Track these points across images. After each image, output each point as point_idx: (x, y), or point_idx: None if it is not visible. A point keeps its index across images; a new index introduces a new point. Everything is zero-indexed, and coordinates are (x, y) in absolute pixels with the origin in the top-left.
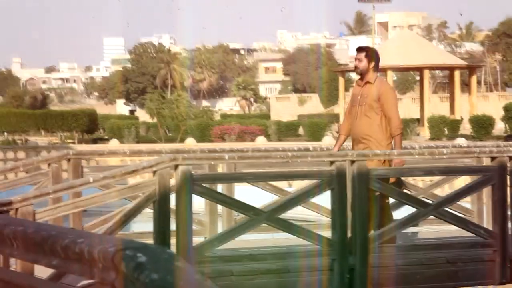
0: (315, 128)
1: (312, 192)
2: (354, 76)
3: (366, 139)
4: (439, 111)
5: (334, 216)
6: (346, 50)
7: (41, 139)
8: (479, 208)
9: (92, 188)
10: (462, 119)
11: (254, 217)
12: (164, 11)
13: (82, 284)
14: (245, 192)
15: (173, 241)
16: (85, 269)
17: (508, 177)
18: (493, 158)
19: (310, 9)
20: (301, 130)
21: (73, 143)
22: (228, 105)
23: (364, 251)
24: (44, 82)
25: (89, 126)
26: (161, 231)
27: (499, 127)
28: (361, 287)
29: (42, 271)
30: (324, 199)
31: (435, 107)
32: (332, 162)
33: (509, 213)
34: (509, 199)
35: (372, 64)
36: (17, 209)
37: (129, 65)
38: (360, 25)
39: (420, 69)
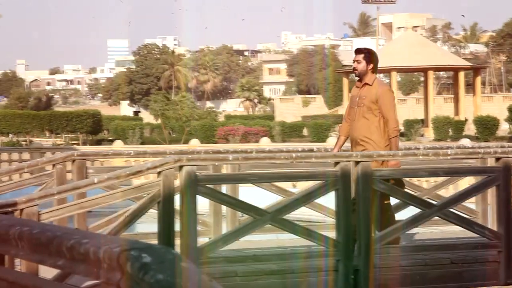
0: (319, 129)
1: (317, 193)
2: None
3: (364, 141)
4: (443, 112)
5: (338, 217)
6: (350, 52)
7: (46, 140)
8: (484, 209)
9: (97, 189)
10: (466, 120)
11: (258, 217)
12: (168, 13)
13: (87, 285)
14: (249, 193)
15: (177, 241)
16: (90, 270)
17: None
18: (497, 159)
19: (314, 10)
20: (305, 131)
21: (78, 144)
22: (232, 106)
23: (368, 252)
24: (48, 83)
25: (94, 127)
26: (166, 231)
27: (504, 128)
28: None
29: (46, 272)
30: (329, 200)
31: (439, 108)
32: (336, 163)
33: None
34: None
35: (371, 65)
36: (22, 209)
37: (133, 67)
38: (364, 26)
39: (424, 70)
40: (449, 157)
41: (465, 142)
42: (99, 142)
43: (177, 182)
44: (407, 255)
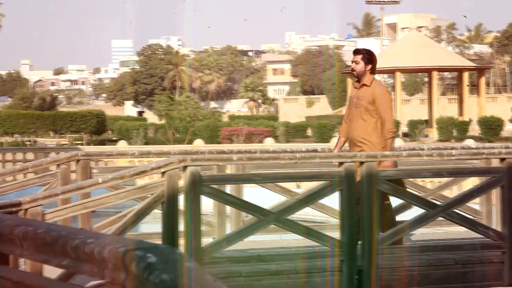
0: (323, 129)
1: (321, 193)
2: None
3: (362, 142)
4: (447, 113)
5: (342, 217)
6: None
7: (50, 141)
8: (488, 210)
9: (101, 189)
10: (470, 120)
11: (262, 218)
12: (172, 13)
13: (92, 285)
14: (253, 193)
15: (181, 242)
16: (95, 270)
17: None
18: (502, 160)
19: (318, 11)
20: (309, 132)
21: (82, 144)
22: (236, 106)
23: (372, 252)
24: (52, 84)
25: (98, 127)
26: (170, 232)
27: (508, 128)
28: None
29: (51, 272)
30: (333, 200)
31: (443, 108)
32: (340, 164)
33: None
34: None
35: (369, 66)
36: (26, 209)
37: (137, 67)
38: (368, 27)
39: (428, 71)
40: (453, 158)
41: (469, 142)
42: (103, 142)
43: (181, 182)
44: (411, 256)
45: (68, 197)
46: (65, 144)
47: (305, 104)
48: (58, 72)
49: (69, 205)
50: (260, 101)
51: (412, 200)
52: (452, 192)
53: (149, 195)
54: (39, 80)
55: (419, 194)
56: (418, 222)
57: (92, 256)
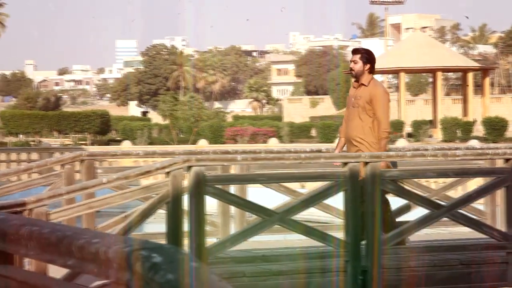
0: (327, 129)
1: (325, 193)
2: None
3: (359, 141)
4: (452, 113)
5: (347, 217)
6: None
7: (54, 141)
8: (493, 210)
9: (105, 189)
10: (475, 121)
11: (266, 218)
12: (177, 14)
13: (96, 284)
14: (257, 194)
15: (185, 242)
16: (101, 269)
17: None
18: (507, 160)
19: (322, 11)
20: (313, 132)
21: (86, 144)
22: (240, 106)
23: (377, 252)
24: (57, 84)
25: (102, 127)
26: (174, 232)
27: None
28: None
29: (55, 272)
30: (337, 200)
31: (448, 109)
32: (345, 164)
33: None
34: None
35: (367, 66)
36: (31, 209)
37: (141, 67)
38: (373, 27)
39: (433, 71)
40: (458, 158)
41: (474, 143)
42: (107, 143)
43: (185, 183)
44: (415, 256)
45: (73, 197)
46: (69, 144)
47: (309, 105)
48: (62, 72)
49: (74, 205)
50: (264, 101)
51: (416, 200)
52: (457, 193)
53: (153, 195)
54: (44, 80)
55: (424, 195)
56: (423, 222)
57: (97, 256)
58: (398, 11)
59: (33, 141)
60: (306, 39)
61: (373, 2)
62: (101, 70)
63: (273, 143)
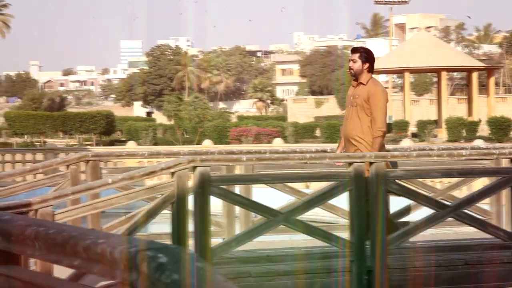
0: (332, 129)
1: (330, 193)
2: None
3: (357, 140)
4: (456, 113)
5: (352, 217)
6: None
7: (59, 141)
8: (498, 210)
9: (110, 190)
10: (480, 120)
11: (271, 218)
12: (181, 14)
13: (102, 285)
14: (262, 194)
15: (190, 242)
16: (107, 270)
17: None
18: None
19: (327, 11)
20: (318, 132)
21: (91, 145)
22: (245, 107)
23: (382, 252)
24: (61, 84)
25: (107, 128)
26: (179, 232)
27: None
28: None
29: (60, 272)
30: (342, 200)
31: (453, 109)
32: (350, 164)
33: None
34: None
35: (366, 65)
36: (36, 210)
37: (146, 68)
38: (377, 27)
39: (437, 71)
40: (463, 158)
41: (479, 143)
42: (112, 143)
43: (190, 183)
44: (420, 256)
45: (78, 198)
46: (75, 144)
47: (314, 105)
48: (67, 72)
49: (79, 205)
50: (268, 101)
51: (421, 200)
52: (462, 193)
53: (158, 196)
54: (48, 81)
55: (429, 195)
56: (428, 222)
57: (104, 256)
58: (402, 11)
59: (38, 141)
60: (310, 39)
61: (377, 2)
62: (105, 71)
63: (278, 143)
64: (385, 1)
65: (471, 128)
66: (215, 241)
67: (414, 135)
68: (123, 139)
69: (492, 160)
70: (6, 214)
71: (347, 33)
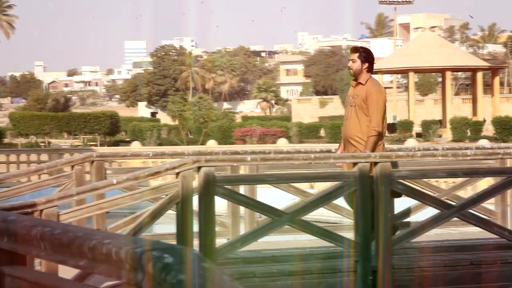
0: (336, 130)
1: (335, 193)
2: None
3: (356, 140)
4: (461, 113)
5: (356, 217)
6: None
7: (64, 142)
8: (503, 210)
9: (115, 190)
10: (484, 120)
11: (276, 218)
12: (186, 14)
13: (108, 285)
14: (267, 194)
15: (195, 242)
16: (112, 270)
17: None
18: None
19: (331, 11)
20: (322, 132)
21: (95, 145)
22: (249, 107)
23: (387, 252)
24: (66, 85)
25: (111, 128)
26: (184, 232)
27: None
28: None
29: (65, 272)
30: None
31: (457, 108)
32: (354, 164)
33: None
34: None
35: (366, 65)
36: (41, 210)
37: (150, 68)
38: (382, 27)
39: (442, 71)
40: (468, 158)
41: (484, 143)
42: (116, 143)
43: (195, 183)
44: (426, 256)
45: (83, 198)
46: (79, 145)
47: (318, 105)
48: (71, 73)
49: (84, 206)
50: (273, 101)
51: (426, 200)
52: (467, 193)
53: (163, 196)
54: (53, 82)
55: (434, 195)
56: (433, 222)
57: (109, 257)
58: (407, 11)
59: (43, 142)
60: (314, 39)
61: (382, 2)
62: (110, 71)
63: (282, 144)
64: (390, 1)
65: (476, 128)
66: (219, 241)
67: (418, 135)
68: (128, 139)
69: (497, 160)
70: (11, 215)
71: (352, 33)
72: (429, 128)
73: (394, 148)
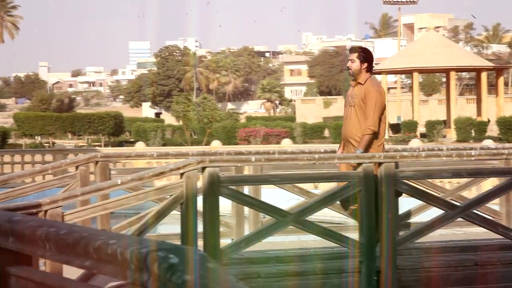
0: (340, 130)
1: (339, 194)
2: (379, 78)
3: (355, 140)
4: (465, 113)
5: (361, 218)
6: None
7: (68, 142)
8: (508, 210)
9: (120, 190)
10: (489, 121)
11: (280, 219)
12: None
13: (112, 285)
14: (271, 194)
15: (200, 243)
16: (118, 270)
17: None
18: None
19: (335, 11)
20: (326, 132)
21: (100, 146)
22: (253, 107)
23: (391, 253)
24: (70, 85)
25: (115, 129)
26: (188, 233)
27: None
28: None
29: (70, 272)
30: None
31: (461, 109)
32: (359, 164)
33: None
34: None
35: (365, 65)
36: (46, 211)
37: (154, 69)
38: (386, 27)
39: (446, 71)
40: (472, 158)
41: (488, 143)
42: (121, 144)
43: (199, 184)
44: (430, 257)
45: (87, 199)
46: (83, 145)
47: (322, 105)
48: (75, 74)
49: (88, 206)
50: (277, 102)
51: (431, 200)
52: (471, 193)
53: (167, 196)
54: (57, 82)
55: (438, 195)
56: (437, 222)
57: (115, 257)
58: (411, 11)
59: (47, 142)
60: (319, 40)
61: (386, 2)
62: (114, 72)
63: (286, 144)
64: (394, 1)
65: (480, 128)
66: (224, 241)
67: (423, 136)
68: (132, 140)
69: (502, 160)
70: (16, 215)
71: (356, 33)
72: (434, 129)
73: (398, 148)
